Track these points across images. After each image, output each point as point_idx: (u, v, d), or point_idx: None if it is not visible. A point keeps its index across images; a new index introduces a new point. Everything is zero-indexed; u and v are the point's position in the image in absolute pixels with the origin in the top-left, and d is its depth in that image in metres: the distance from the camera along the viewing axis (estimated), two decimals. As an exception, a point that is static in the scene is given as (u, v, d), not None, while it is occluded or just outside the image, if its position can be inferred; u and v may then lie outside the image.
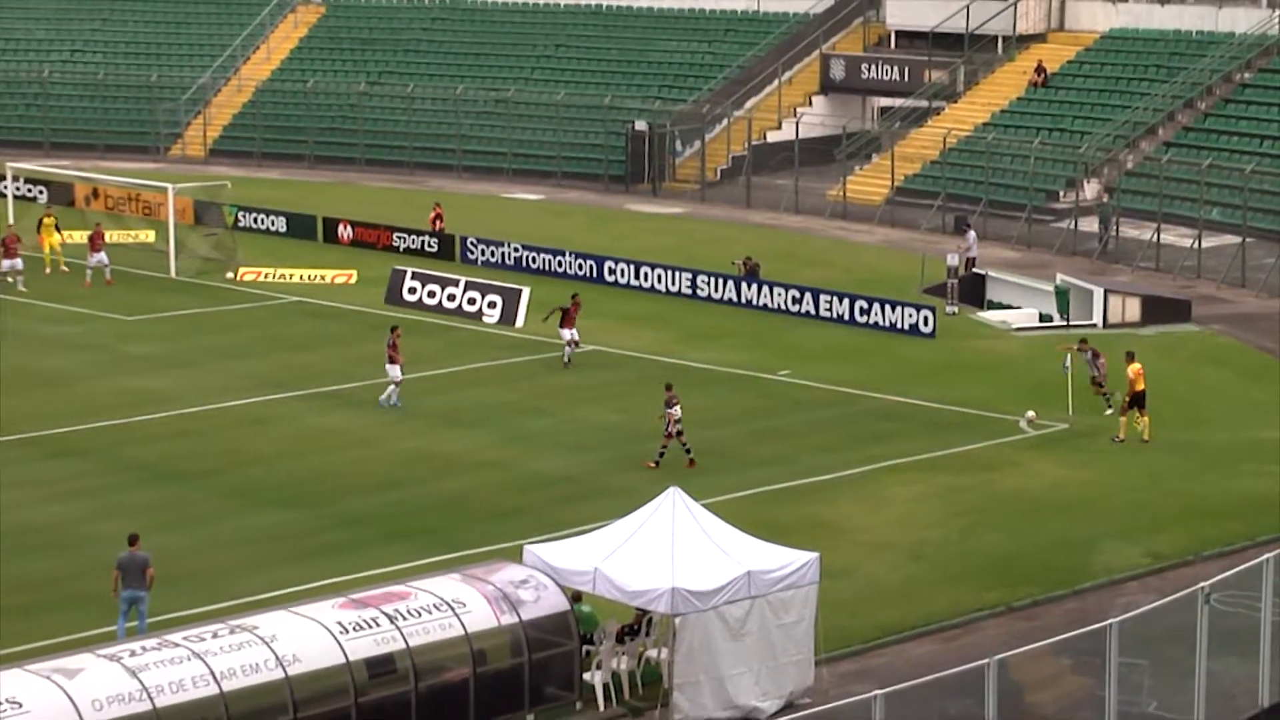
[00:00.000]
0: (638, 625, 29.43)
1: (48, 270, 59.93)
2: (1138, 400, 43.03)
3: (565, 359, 49.15)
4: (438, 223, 65.61)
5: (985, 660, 24.10)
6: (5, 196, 67.00)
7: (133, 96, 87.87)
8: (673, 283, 58.86)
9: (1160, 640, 26.12)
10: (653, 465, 40.53)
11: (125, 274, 58.96)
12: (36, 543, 35.75)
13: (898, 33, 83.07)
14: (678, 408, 40.79)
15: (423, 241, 64.58)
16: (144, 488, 39.38)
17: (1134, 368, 43.28)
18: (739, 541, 29.01)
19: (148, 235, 64.23)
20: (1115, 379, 44.53)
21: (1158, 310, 55.05)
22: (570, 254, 61.33)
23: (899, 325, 54.14)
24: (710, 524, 29.02)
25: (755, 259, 59.68)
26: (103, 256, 58.55)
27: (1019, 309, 56.80)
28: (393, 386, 45.29)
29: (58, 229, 61.43)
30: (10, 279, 56.83)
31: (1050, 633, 28.95)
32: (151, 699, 24.60)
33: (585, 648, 28.67)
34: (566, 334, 49.19)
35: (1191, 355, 51.70)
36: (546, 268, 61.09)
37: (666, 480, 31.49)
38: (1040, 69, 76.34)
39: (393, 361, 45.44)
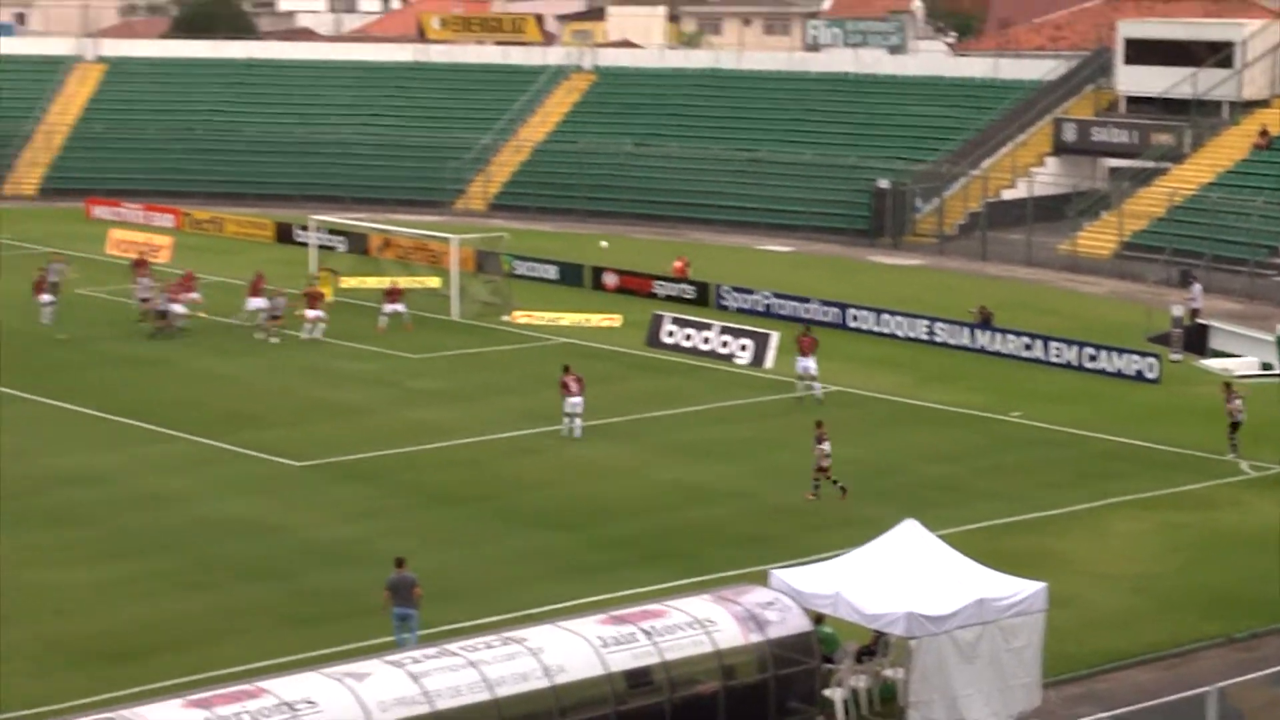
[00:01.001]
0: (875, 646, 29.16)
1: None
2: None
3: (810, 393, 48.52)
4: (685, 271, 66.08)
5: (1206, 688, 23.49)
6: (309, 245, 68.57)
7: (423, 156, 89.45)
8: (911, 329, 58.36)
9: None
10: (810, 497, 40.28)
11: (413, 316, 59.91)
12: (329, 559, 36.42)
13: (1128, 98, 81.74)
14: (827, 443, 40.42)
15: (680, 289, 64.85)
16: (425, 510, 39.92)
17: None
18: (970, 570, 28.66)
19: (433, 281, 65.25)
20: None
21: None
22: (816, 301, 61.14)
23: (1125, 371, 53.09)
24: (944, 553, 28.74)
25: (989, 307, 58.97)
26: (399, 306, 59.45)
27: (1241, 357, 55.42)
28: (571, 418, 45.32)
29: (334, 276, 62.71)
30: (309, 326, 57.51)
31: (1269, 663, 28.19)
32: (432, 703, 24.86)
33: (826, 666, 28.47)
34: (802, 363, 48.73)
35: None
36: (794, 314, 60.93)
37: (903, 512, 31.18)
38: (1264, 132, 74.55)
39: (569, 393, 45.43)
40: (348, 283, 62.90)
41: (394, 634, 30.57)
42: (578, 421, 45.53)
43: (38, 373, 51.99)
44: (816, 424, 41.33)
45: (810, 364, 49.33)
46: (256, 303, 58.36)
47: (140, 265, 63.19)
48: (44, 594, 34.14)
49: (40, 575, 35.15)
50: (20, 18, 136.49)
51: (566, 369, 46.65)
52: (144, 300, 58.97)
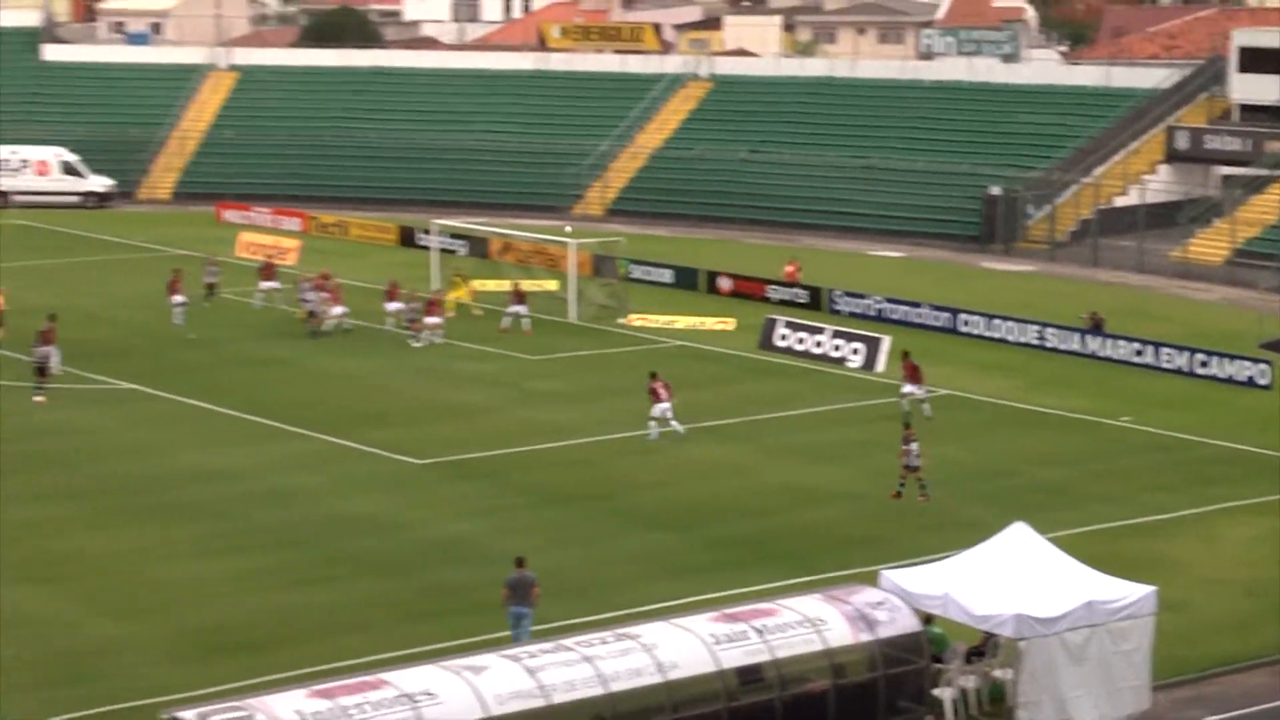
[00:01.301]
0: (984, 647, 28.97)
1: (452, 314, 61.41)
2: None
3: (924, 412, 47.87)
4: (796, 275, 65.94)
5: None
6: (430, 249, 69.02)
7: (542, 162, 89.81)
8: (1022, 334, 57.88)
9: None
10: (895, 496, 40.18)
11: (531, 319, 60.08)
12: (447, 555, 36.65)
13: (1241, 106, 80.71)
14: (915, 444, 40.12)
15: (793, 293, 64.69)
16: (541, 509, 40.07)
17: None
18: (1080, 573, 28.42)
19: (551, 284, 65.50)
20: None
21: None
22: (927, 306, 60.80)
23: (1236, 378, 52.40)
24: (1053, 556, 28.51)
25: (1100, 313, 58.38)
26: (523, 308, 59.72)
27: (1353, 364, 54.52)
28: (658, 423, 45.37)
29: (465, 282, 63.10)
30: (427, 333, 57.76)
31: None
32: (548, 696, 24.95)
33: (935, 666, 28.32)
34: (909, 389, 48.17)
35: None
36: (905, 319, 60.64)
37: (1012, 515, 30.95)
38: (1377, 139, 73.40)
39: (658, 399, 45.44)
40: (478, 286, 63.21)
41: (510, 630, 30.68)
42: (674, 423, 45.46)
43: (171, 372, 52.69)
44: (905, 425, 41.14)
45: (915, 389, 48.47)
46: (394, 306, 58.90)
47: (268, 269, 63.92)
48: (176, 586, 34.61)
49: (172, 568, 35.64)
50: (156, 27, 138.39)
51: (654, 375, 46.61)
52: (304, 302, 59.48)
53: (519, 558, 31.31)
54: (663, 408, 45.48)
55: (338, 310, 58.60)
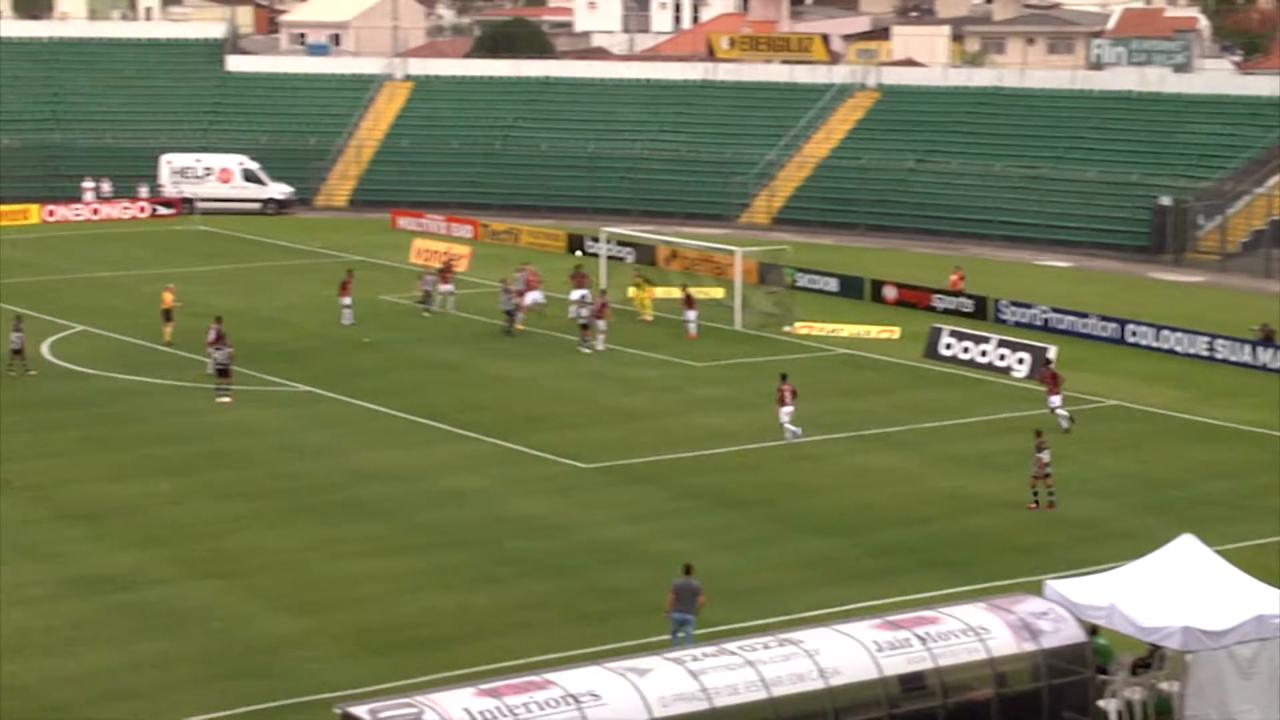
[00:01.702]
0: (1150, 659, 28.46)
1: (648, 317, 61.73)
2: None
3: (1061, 422, 47.19)
4: (960, 284, 65.33)
5: None
6: (599, 256, 69.33)
7: (709, 171, 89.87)
8: (1191, 345, 56.85)
9: None
10: (1033, 507, 39.60)
11: (698, 324, 60.12)
12: (612, 558, 36.72)
13: None
14: (1046, 452, 39.43)
15: (959, 303, 64.11)
16: (706, 513, 40.03)
17: None
18: (1249, 586, 27.77)
19: (717, 292, 65.46)
20: None
21: None
22: (1095, 316, 59.95)
23: None
24: (1222, 569, 27.89)
25: (1271, 325, 57.18)
26: (691, 314, 59.91)
27: None
28: (789, 425, 45.44)
29: (648, 285, 63.41)
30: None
31: None
32: (710, 700, 24.89)
33: (1100, 677, 27.87)
34: (1054, 400, 47.48)
35: None
36: (1072, 329, 59.85)
37: (1180, 527, 30.38)
38: None
39: (783, 404, 45.29)
40: (652, 292, 63.46)
41: (669, 635, 30.65)
42: (790, 428, 45.52)
43: (345, 374, 53.38)
44: (1035, 433, 40.56)
45: (1055, 400, 47.72)
46: (579, 293, 59.43)
47: (446, 272, 64.59)
48: (347, 584, 35.03)
49: (344, 566, 36.09)
50: (335, 39, 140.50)
51: (784, 377, 46.56)
52: (517, 293, 60.14)
53: (686, 565, 31.24)
54: (786, 411, 45.40)
55: (537, 295, 59.61)
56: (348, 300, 60.84)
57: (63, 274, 71.70)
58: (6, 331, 53.24)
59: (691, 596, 30.67)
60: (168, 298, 57.87)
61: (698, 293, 63.21)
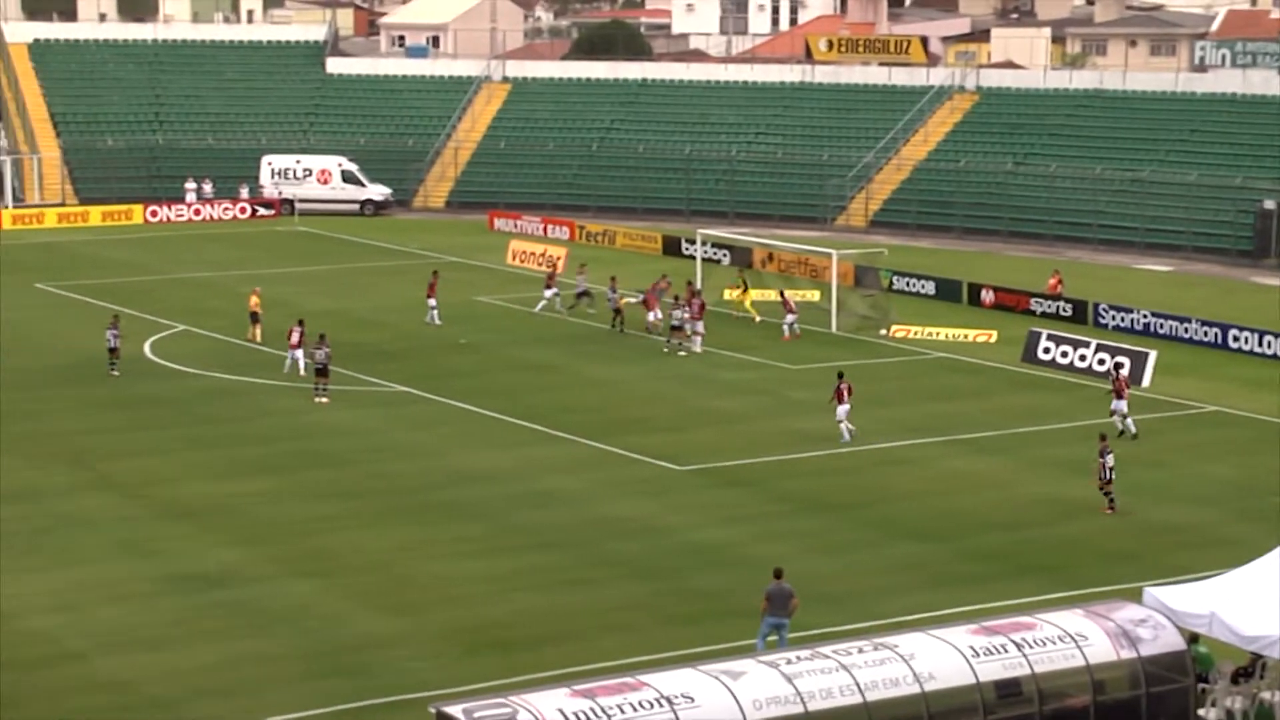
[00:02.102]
0: (1252, 668, 28.05)
1: (757, 318, 61.71)
2: None
3: (1124, 431, 46.57)
4: (1058, 288, 64.75)
5: None
6: (695, 258, 69.32)
7: (805, 173, 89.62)
8: (1295, 351, 56.10)
9: None
10: (1109, 511, 39.23)
11: (790, 327, 59.97)
12: (705, 560, 36.64)
13: None
14: (1110, 456, 38.97)
15: (1057, 306, 63.55)
16: (798, 517, 39.89)
17: None
18: (1353, 596, 27.28)
19: (813, 295, 65.25)
20: None
21: None
22: (1196, 321, 59.25)
23: None
24: (1326, 578, 27.41)
25: (1377, 331, 56.30)
26: (792, 317, 59.83)
27: None
28: (845, 424, 45.69)
29: (746, 288, 63.38)
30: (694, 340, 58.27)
31: None
32: (804, 703, 24.76)
33: (1201, 686, 27.51)
34: (1119, 404, 46.93)
35: None
36: (1172, 333, 59.18)
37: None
38: None
39: (840, 401, 45.61)
40: (743, 295, 63.41)
41: (757, 640, 30.47)
42: (845, 425, 45.63)
43: (441, 375, 53.62)
44: (1100, 437, 40.13)
45: (1121, 405, 47.10)
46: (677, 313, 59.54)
47: (552, 277, 64.55)
48: (441, 584, 35.17)
49: (438, 566, 36.22)
50: (434, 41, 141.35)
51: (841, 375, 46.69)
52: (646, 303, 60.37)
53: (776, 569, 31.11)
54: (842, 410, 45.44)
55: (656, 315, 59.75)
56: (434, 301, 61.27)
57: (165, 274, 72.49)
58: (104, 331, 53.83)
59: (784, 601, 30.53)
60: (254, 300, 58.39)
61: (793, 295, 63.04)
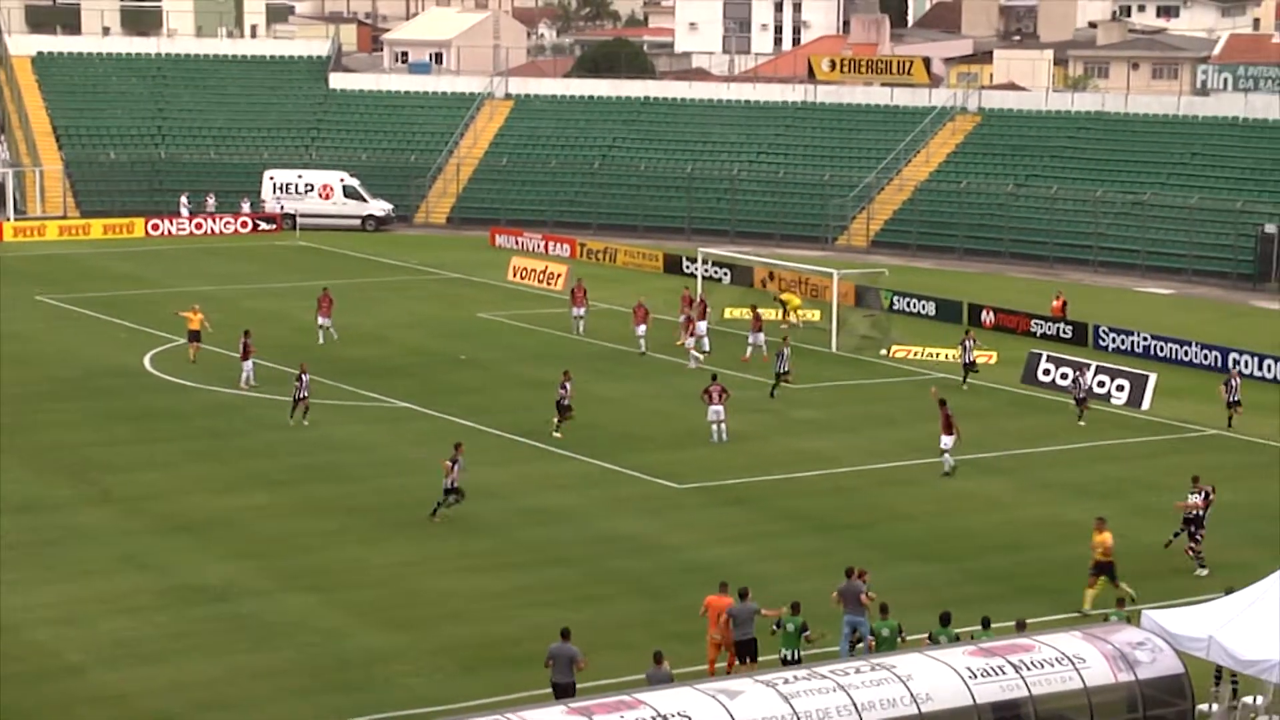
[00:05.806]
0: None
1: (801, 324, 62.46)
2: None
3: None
4: (1063, 310, 64.93)
5: None
6: (696, 276, 69.48)
7: (807, 193, 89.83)
8: (1295, 375, 56.25)
9: None
10: (1176, 542, 39.20)
11: (793, 348, 59.98)
12: (706, 579, 36.49)
13: None
14: (1197, 496, 38.63)
15: (1058, 328, 63.70)
16: (800, 536, 39.99)
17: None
18: (1351, 621, 27.38)
19: (813, 314, 65.39)
20: None
21: None
22: (1196, 344, 59.40)
23: None
24: (1323, 603, 27.50)
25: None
26: (760, 336, 59.30)
27: None
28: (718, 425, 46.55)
29: (786, 306, 63.73)
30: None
31: None
32: (799, 722, 24.89)
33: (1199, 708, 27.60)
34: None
35: None
36: (1173, 356, 59.34)
37: (1281, 559, 30.10)
38: None
39: (712, 403, 46.80)
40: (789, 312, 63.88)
41: (841, 643, 31.25)
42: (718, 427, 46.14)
43: (443, 391, 53.74)
44: (1193, 480, 40.06)
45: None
46: (702, 326, 59.55)
47: (576, 293, 64.06)
48: (442, 600, 35.28)
49: (439, 582, 36.33)
50: (437, 57, 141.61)
51: (714, 378, 47.63)
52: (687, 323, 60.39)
53: (848, 568, 32.11)
54: (715, 410, 46.62)
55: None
56: (325, 320, 60.04)
57: (166, 287, 72.64)
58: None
59: (855, 597, 30.96)
60: (195, 318, 56.91)
61: (793, 315, 63.14)
